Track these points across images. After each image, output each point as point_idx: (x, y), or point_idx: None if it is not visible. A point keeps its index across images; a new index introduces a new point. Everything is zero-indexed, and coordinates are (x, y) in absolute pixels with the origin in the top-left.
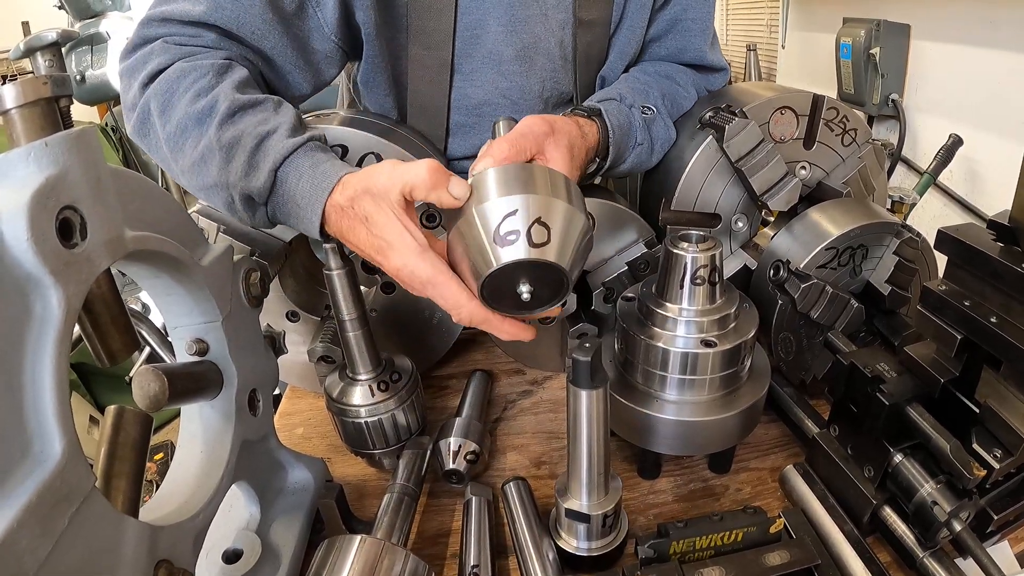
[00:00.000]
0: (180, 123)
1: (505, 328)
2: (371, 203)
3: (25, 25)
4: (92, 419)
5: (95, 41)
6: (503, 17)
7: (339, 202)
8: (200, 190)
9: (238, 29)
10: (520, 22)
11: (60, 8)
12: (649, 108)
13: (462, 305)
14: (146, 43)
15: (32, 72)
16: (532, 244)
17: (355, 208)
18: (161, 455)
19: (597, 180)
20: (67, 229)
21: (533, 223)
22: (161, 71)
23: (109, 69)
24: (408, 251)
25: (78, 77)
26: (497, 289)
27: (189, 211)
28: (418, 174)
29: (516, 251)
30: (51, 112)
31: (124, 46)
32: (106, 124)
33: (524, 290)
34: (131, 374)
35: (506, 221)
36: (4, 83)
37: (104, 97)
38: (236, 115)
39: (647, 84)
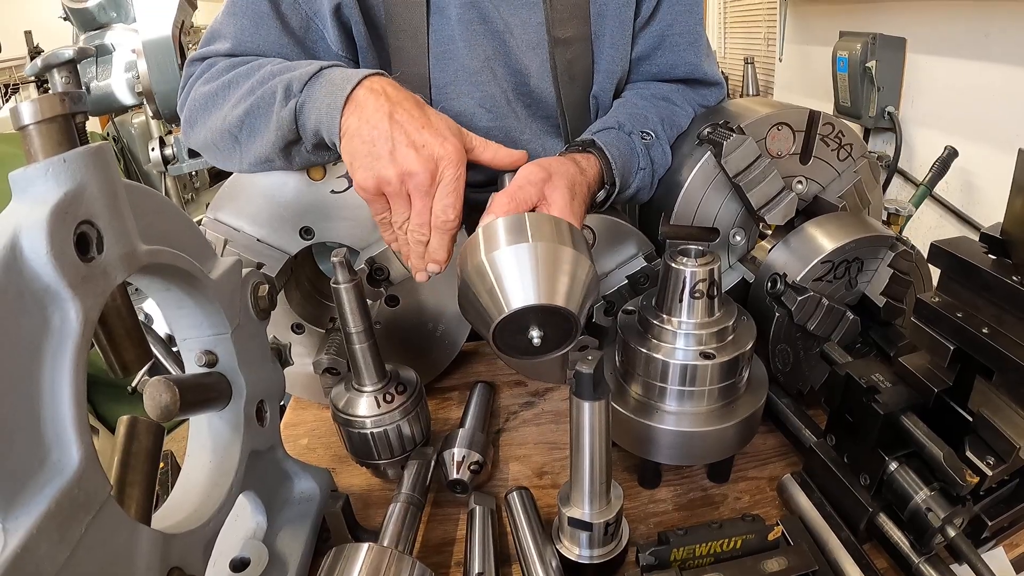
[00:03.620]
0: (236, 75)
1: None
2: (416, 105)
3: (28, 35)
4: (92, 429)
5: (100, 53)
6: (464, 33)
7: (376, 86)
8: (245, 97)
9: (263, 54)
10: (480, 36)
11: (65, 19)
12: (648, 133)
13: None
14: (193, 73)
15: (34, 77)
16: (542, 290)
17: (390, 92)
18: (162, 465)
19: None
20: (84, 243)
21: (542, 269)
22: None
23: (114, 80)
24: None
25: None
26: (508, 334)
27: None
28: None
29: (527, 297)
30: (68, 128)
31: (180, 93)
32: (107, 134)
33: (535, 335)
34: (133, 385)
35: (516, 268)
36: (7, 92)
37: (108, 108)
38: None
39: (645, 110)
